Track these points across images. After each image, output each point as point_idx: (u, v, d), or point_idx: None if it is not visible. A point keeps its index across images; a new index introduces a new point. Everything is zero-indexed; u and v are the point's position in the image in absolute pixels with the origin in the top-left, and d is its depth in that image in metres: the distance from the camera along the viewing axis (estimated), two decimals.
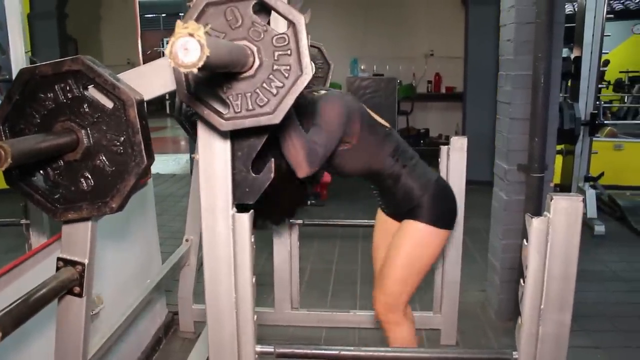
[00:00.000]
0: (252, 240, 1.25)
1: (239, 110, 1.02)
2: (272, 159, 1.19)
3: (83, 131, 1.15)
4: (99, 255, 2.06)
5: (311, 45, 2.56)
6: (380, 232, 2.14)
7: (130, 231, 2.42)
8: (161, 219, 4.72)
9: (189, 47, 0.66)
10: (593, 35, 4.50)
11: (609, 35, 4.59)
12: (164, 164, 7.74)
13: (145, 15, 12.17)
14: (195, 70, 0.66)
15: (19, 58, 2.13)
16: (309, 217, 5.01)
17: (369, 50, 7.78)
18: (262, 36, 0.99)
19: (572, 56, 4.84)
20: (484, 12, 5.55)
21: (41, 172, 1.19)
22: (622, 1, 11.09)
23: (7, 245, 2.51)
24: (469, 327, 2.88)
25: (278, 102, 1.00)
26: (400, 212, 1.92)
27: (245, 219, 1.23)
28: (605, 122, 5.09)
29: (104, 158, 1.17)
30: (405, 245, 1.86)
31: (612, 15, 5.07)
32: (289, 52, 0.99)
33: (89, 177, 1.18)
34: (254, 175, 1.21)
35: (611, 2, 10.69)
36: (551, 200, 1.24)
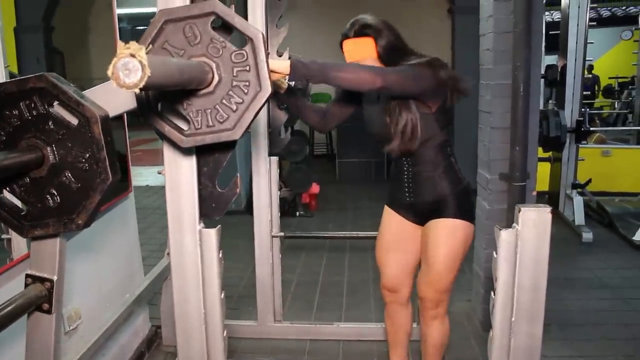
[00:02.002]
0: (220, 255, 1.25)
1: (200, 126, 1.02)
2: (238, 175, 1.19)
3: (49, 148, 1.15)
4: (78, 269, 2.06)
5: (290, 57, 2.57)
6: (395, 235, 2.16)
7: (110, 245, 2.41)
8: (149, 232, 4.73)
9: (130, 68, 0.66)
10: (577, 42, 4.54)
11: (592, 43, 4.64)
12: (154, 176, 7.71)
13: (137, 28, 12.18)
14: (137, 91, 0.67)
15: None
16: (297, 228, 5.05)
17: None
18: (220, 52, 0.99)
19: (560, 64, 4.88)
20: (470, 21, 5.57)
21: (7, 189, 1.18)
22: (609, 8, 11.20)
23: None
24: (454, 337, 2.86)
25: (238, 118, 1.00)
26: (425, 202, 2.00)
27: (213, 234, 1.23)
28: (591, 128, 5.11)
29: (69, 175, 1.16)
30: (449, 244, 1.97)
31: (594, 23, 5.11)
32: (247, 68, 0.99)
33: (55, 193, 1.17)
34: (219, 190, 1.21)
35: (598, 8, 10.80)
36: (519, 212, 1.25)
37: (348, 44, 1.96)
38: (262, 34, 0.98)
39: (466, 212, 2.00)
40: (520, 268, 1.26)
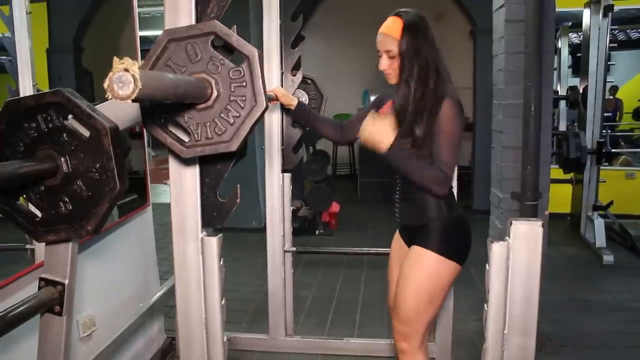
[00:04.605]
0: (221, 263, 1.31)
1: (199, 138, 1.08)
2: (238, 185, 1.25)
3: (62, 158, 1.22)
4: (94, 277, 2.14)
5: (305, 77, 2.65)
6: (394, 254, 2.14)
7: (127, 255, 2.49)
8: (170, 248, 4.81)
9: (123, 81, 0.72)
10: (597, 64, 4.53)
11: (613, 64, 4.62)
12: None
13: None
14: (129, 102, 0.73)
15: (27, 91, 2.24)
16: (316, 246, 5.08)
17: (381, 82, 7.87)
18: (219, 69, 1.06)
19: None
20: (490, 43, 5.62)
21: (24, 196, 1.26)
22: (638, 30, 11.06)
23: (16, 270, 2.59)
24: (466, 356, 2.87)
25: (235, 130, 1.07)
26: (411, 226, 1.94)
27: (214, 242, 1.29)
28: (612, 150, 5.05)
29: (81, 183, 1.23)
30: (414, 273, 1.83)
31: (615, 45, 5.09)
32: (244, 83, 1.06)
33: (67, 201, 1.25)
34: (221, 200, 1.27)
35: (627, 30, 10.68)
36: (511, 225, 1.28)
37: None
38: (258, 52, 1.05)
39: (447, 247, 1.81)
40: (512, 280, 1.28)
